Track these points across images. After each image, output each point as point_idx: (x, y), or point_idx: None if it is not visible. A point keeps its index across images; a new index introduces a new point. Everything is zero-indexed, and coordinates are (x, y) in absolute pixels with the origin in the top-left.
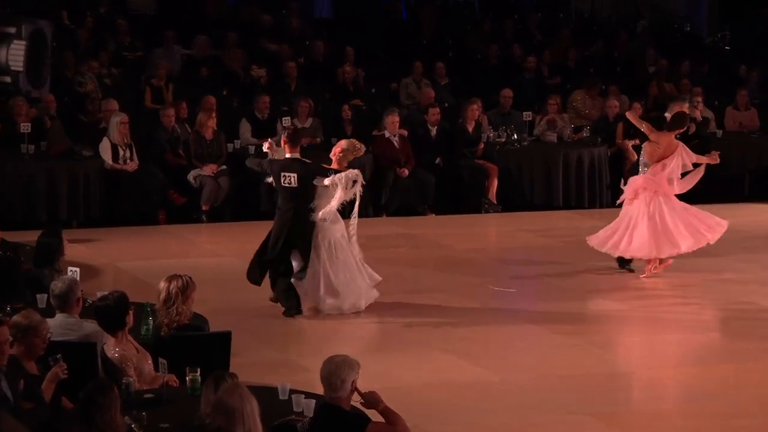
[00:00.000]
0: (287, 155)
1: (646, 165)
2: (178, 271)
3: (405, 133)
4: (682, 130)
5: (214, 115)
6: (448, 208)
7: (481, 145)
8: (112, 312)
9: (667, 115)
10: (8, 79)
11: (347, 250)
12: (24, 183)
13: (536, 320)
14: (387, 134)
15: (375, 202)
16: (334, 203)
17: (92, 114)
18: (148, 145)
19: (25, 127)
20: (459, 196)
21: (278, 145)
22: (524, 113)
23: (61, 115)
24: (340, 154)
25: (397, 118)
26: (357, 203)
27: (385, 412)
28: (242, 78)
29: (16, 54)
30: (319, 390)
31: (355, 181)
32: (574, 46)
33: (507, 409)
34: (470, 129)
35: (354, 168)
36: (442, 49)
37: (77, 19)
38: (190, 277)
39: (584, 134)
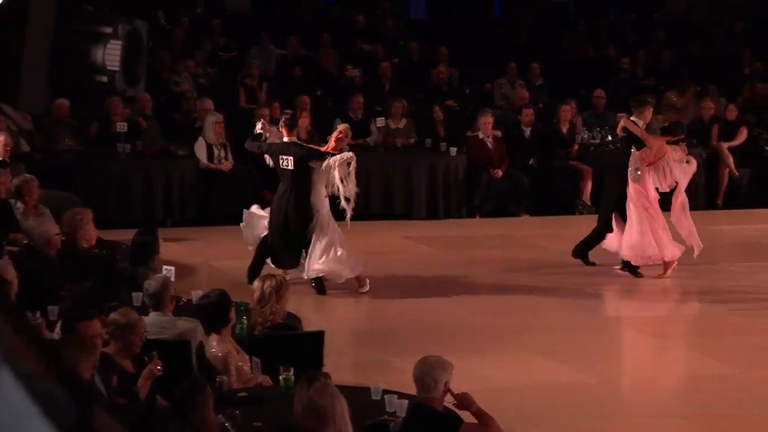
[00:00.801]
0: (285, 139)
1: (637, 170)
2: (272, 271)
3: (499, 133)
4: (674, 138)
5: (306, 114)
6: (541, 209)
7: (575, 146)
8: (216, 308)
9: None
10: (105, 79)
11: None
12: (120, 182)
13: (632, 323)
14: (481, 135)
15: (468, 203)
16: (350, 186)
17: (187, 114)
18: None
19: (122, 127)
20: (553, 198)
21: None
22: (618, 114)
23: (157, 114)
24: (339, 137)
25: (490, 119)
26: (349, 186)
27: (478, 413)
28: (336, 78)
29: (112, 54)
30: (412, 390)
31: (349, 164)
32: (668, 47)
33: (604, 413)
34: (564, 130)
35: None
36: (536, 49)
37: (173, 19)
38: (284, 277)
39: None
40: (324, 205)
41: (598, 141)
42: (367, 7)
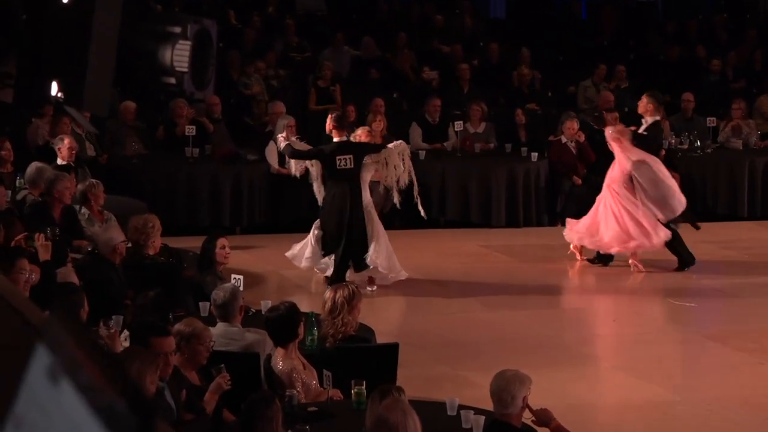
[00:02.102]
0: (335, 139)
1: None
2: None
3: (582, 138)
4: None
5: (381, 118)
6: None
7: (662, 152)
8: (283, 323)
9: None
10: (173, 81)
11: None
12: (187, 188)
13: (716, 337)
14: (564, 139)
15: (550, 211)
16: (404, 175)
17: (258, 117)
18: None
19: (190, 130)
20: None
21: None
22: (708, 119)
23: (226, 117)
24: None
25: (575, 124)
26: (408, 177)
27: (558, 430)
28: (413, 80)
29: (181, 54)
30: (489, 406)
31: (402, 153)
32: (761, 48)
33: (690, 431)
34: None
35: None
36: (623, 50)
37: (244, 18)
38: (356, 286)
39: None
40: (368, 198)
41: (686, 146)
42: (446, 6)
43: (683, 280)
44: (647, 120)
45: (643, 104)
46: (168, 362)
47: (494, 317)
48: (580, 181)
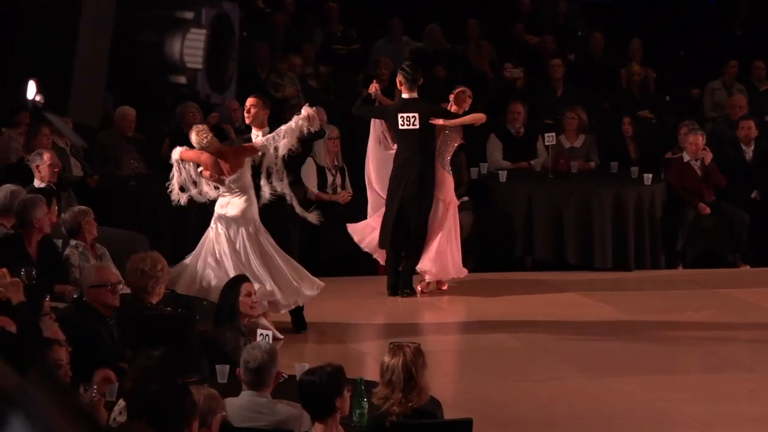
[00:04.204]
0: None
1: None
2: (403, 339)
3: (709, 155)
4: None
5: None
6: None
7: None
8: (321, 391)
9: None
10: (183, 80)
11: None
12: (200, 217)
13: None
14: (686, 158)
15: (668, 248)
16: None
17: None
18: (365, 168)
19: None
20: None
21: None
22: None
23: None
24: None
25: (700, 138)
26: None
27: None
28: (491, 80)
29: (193, 47)
30: None
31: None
32: None
33: None
34: None
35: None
36: (761, 43)
37: (275, 1)
38: (418, 345)
39: None
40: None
41: None
42: None
43: None
44: None
45: None
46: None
47: (595, 386)
48: (708, 210)
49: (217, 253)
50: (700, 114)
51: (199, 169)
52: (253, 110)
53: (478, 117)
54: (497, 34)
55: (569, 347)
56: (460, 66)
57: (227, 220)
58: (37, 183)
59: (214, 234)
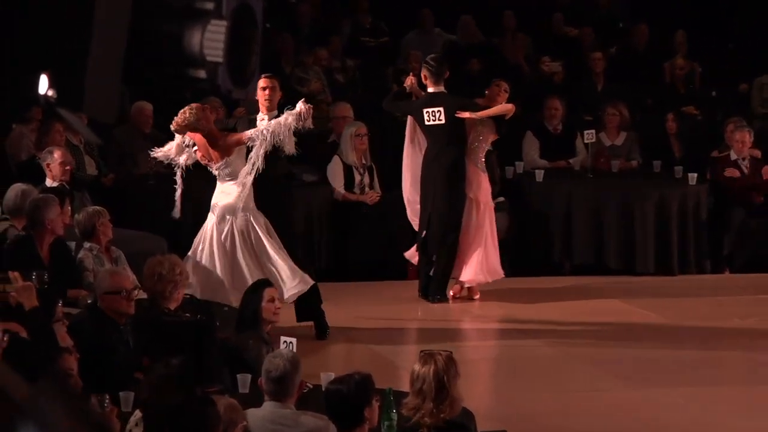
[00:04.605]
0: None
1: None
2: (434, 347)
3: (759, 154)
4: None
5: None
6: None
7: None
8: (349, 401)
9: None
10: (203, 74)
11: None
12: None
13: None
14: (733, 156)
15: (714, 252)
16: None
17: (318, 123)
18: (395, 167)
19: None
20: None
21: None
22: None
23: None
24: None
25: (747, 135)
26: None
27: None
28: (527, 74)
29: (213, 39)
30: None
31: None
32: None
33: None
34: None
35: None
36: None
37: None
38: (450, 353)
39: None
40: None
41: None
42: None
43: None
44: None
45: None
46: None
47: (636, 398)
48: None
49: (206, 244)
50: (748, 110)
51: (194, 148)
52: (269, 92)
53: (507, 108)
54: (534, 26)
55: (609, 356)
56: (495, 60)
57: (219, 209)
58: (48, 182)
59: (209, 224)
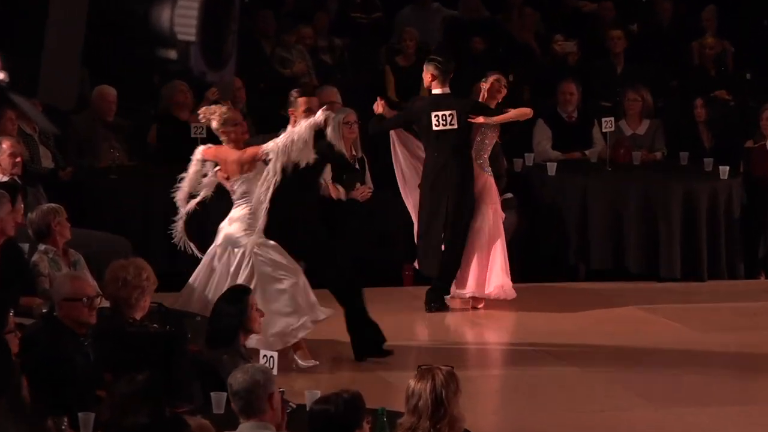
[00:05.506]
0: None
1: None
2: (433, 362)
3: None
4: None
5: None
6: None
7: None
8: (337, 422)
9: None
10: (173, 55)
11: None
12: (194, 218)
13: None
14: None
15: (748, 254)
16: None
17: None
18: (390, 159)
19: (197, 131)
20: None
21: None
22: None
23: (254, 110)
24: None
25: None
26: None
27: None
28: (538, 55)
29: (185, 16)
30: None
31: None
32: None
33: None
34: None
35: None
36: None
37: None
38: (452, 368)
39: None
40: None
41: None
42: None
43: None
44: None
45: None
46: None
47: (660, 418)
48: None
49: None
50: None
51: (216, 168)
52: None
53: (523, 112)
54: (545, 1)
55: (628, 372)
56: (501, 38)
57: (224, 237)
58: None
59: (212, 248)
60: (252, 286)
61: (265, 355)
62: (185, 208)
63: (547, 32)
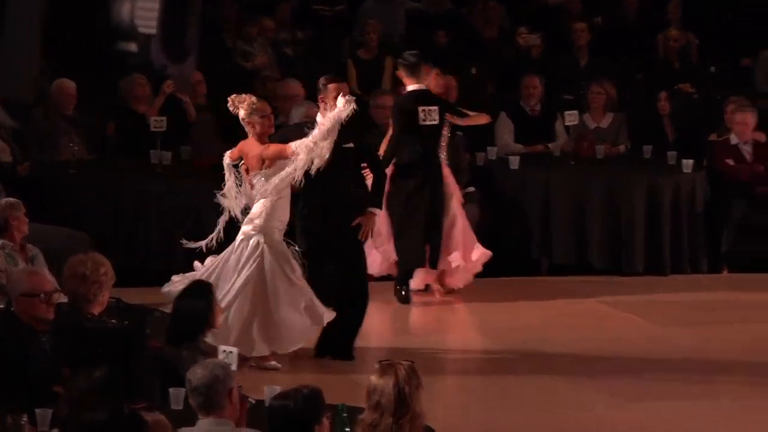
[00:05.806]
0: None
1: None
2: (394, 356)
3: (763, 138)
4: None
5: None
6: None
7: None
8: (296, 418)
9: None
10: (134, 47)
11: None
12: (154, 212)
13: None
14: (733, 140)
15: (711, 249)
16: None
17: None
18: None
19: (158, 124)
20: None
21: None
22: None
23: (215, 105)
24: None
25: (750, 116)
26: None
27: None
28: (501, 49)
29: (146, 8)
30: None
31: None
32: None
33: None
34: None
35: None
36: None
37: None
38: (412, 363)
39: None
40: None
41: None
42: None
43: None
44: None
45: None
46: None
47: (623, 415)
48: None
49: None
50: (751, 88)
51: (242, 164)
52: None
53: (485, 119)
54: None
55: (592, 368)
56: (465, 31)
57: (243, 232)
58: None
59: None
60: (259, 281)
61: (224, 351)
62: (237, 212)
63: (512, 26)
